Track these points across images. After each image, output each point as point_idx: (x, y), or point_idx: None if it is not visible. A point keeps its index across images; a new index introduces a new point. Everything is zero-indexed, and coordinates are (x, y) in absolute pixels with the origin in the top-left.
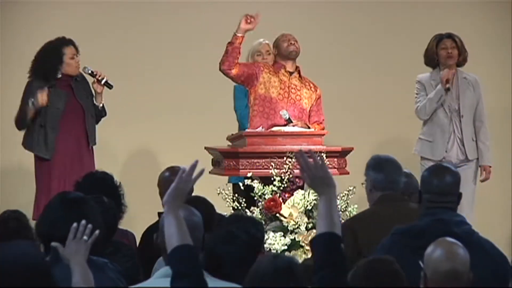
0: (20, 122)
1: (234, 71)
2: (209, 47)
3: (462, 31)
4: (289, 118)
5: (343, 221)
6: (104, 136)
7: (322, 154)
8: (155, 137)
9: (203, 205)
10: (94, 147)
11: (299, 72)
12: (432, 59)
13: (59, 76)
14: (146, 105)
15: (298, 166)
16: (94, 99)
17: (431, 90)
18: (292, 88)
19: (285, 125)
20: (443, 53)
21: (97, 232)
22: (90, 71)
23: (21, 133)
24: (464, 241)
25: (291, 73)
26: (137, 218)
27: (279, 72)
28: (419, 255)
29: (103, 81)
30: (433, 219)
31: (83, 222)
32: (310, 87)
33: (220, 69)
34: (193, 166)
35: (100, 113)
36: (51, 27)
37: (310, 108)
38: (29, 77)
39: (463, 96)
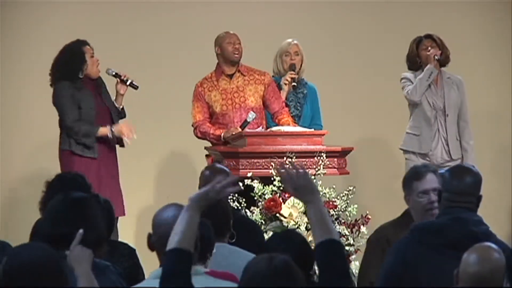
0: (74, 131)
1: (207, 124)
2: (209, 47)
3: (462, 31)
4: (246, 121)
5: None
6: None
7: (322, 154)
8: (155, 137)
9: (220, 208)
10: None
11: (239, 71)
12: (414, 62)
13: (81, 76)
14: (146, 105)
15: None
16: (114, 101)
17: None
18: (234, 92)
19: (240, 126)
20: (424, 53)
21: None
22: (114, 73)
23: (21, 133)
24: (481, 240)
25: (231, 76)
26: (130, 218)
27: (219, 80)
28: (436, 252)
29: (128, 82)
30: (451, 217)
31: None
32: (255, 80)
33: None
34: (230, 182)
35: (120, 114)
36: (51, 27)
37: (264, 98)
38: (52, 83)
39: (448, 95)
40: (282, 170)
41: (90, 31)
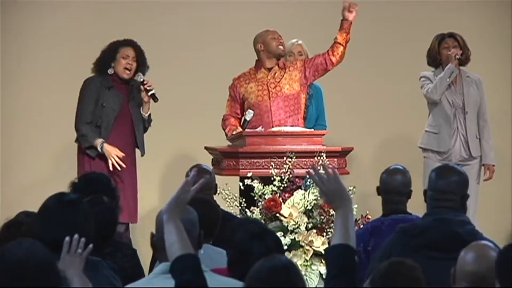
0: (76, 130)
1: (230, 120)
2: (210, 47)
3: (463, 31)
4: (245, 121)
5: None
6: None
7: (322, 154)
8: (155, 137)
9: (207, 206)
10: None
11: (278, 65)
12: (434, 59)
13: (111, 72)
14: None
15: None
16: (141, 108)
17: None
18: (271, 83)
19: (242, 124)
20: (445, 52)
21: (91, 246)
22: (142, 79)
23: (21, 133)
24: (467, 241)
25: (270, 69)
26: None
27: (257, 73)
28: (419, 254)
29: (150, 93)
30: (433, 219)
31: (76, 236)
32: (289, 69)
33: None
34: (193, 177)
35: (144, 123)
36: (51, 27)
37: (305, 70)
38: (92, 70)
39: (467, 94)
40: (313, 173)
41: (90, 31)
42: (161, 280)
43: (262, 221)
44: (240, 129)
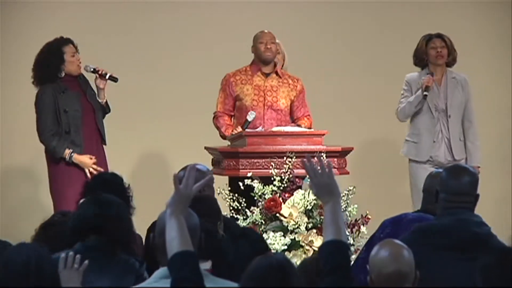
0: (44, 144)
1: (225, 118)
2: (210, 46)
3: (463, 31)
4: (247, 121)
5: None
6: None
7: (322, 154)
8: (156, 137)
9: (207, 203)
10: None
11: (276, 73)
12: (421, 59)
13: (62, 75)
14: (146, 105)
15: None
16: (97, 96)
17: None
18: (268, 91)
19: (242, 125)
20: (432, 52)
21: (86, 262)
22: (92, 69)
23: (21, 133)
24: (485, 241)
25: (267, 75)
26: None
27: (254, 76)
28: (438, 253)
29: (107, 76)
30: (454, 219)
31: (71, 253)
32: (289, 84)
33: (225, 137)
34: (192, 169)
35: (104, 109)
36: (51, 27)
37: (292, 104)
38: (33, 82)
39: (451, 96)
40: (308, 164)
41: (90, 31)
42: (161, 285)
43: (262, 221)
44: (239, 129)
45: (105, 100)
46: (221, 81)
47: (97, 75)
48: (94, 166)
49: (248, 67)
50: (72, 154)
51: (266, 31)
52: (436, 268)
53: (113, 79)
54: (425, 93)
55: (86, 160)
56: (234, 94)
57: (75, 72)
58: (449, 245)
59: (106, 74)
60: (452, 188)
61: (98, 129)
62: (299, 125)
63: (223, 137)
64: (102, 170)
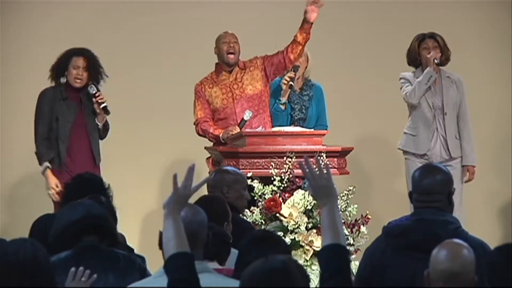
0: (35, 146)
1: (209, 122)
2: (208, 47)
3: (463, 31)
4: (243, 120)
5: None
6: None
7: (322, 154)
8: (156, 137)
9: (216, 203)
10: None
11: (238, 66)
12: (414, 59)
13: (63, 81)
14: (146, 105)
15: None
16: (96, 118)
17: None
18: (233, 84)
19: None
20: (425, 53)
21: (94, 276)
22: (93, 92)
23: (21, 133)
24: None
25: (230, 71)
26: (129, 218)
27: (219, 76)
28: (400, 254)
29: (101, 106)
30: (414, 219)
31: (81, 268)
32: (250, 68)
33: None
34: (191, 170)
35: (99, 132)
36: (51, 27)
37: (270, 65)
38: (48, 77)
39: (446, 94)
40: (305, 167)
41: (90, 31)
42: (164, 280)
43: (262, 221)
44: (237, 129)
45: (102, 123)
46: (194, 93)
47: (94, 100)
48: (52, 191)
49: (213, 72)
50: (48, 167)
51: (230, 31)
52: (397, 268)
53: (106, 111)
54: (436, 61)
55: (51, 183)
56: (206, 100)
57: (73, 83)
58: (406, 245)
59: (101, 103)
60: (422, 188)
61: (90, 146)
62: (288, 45)
63: (215, 138)
64: (58, 199)
